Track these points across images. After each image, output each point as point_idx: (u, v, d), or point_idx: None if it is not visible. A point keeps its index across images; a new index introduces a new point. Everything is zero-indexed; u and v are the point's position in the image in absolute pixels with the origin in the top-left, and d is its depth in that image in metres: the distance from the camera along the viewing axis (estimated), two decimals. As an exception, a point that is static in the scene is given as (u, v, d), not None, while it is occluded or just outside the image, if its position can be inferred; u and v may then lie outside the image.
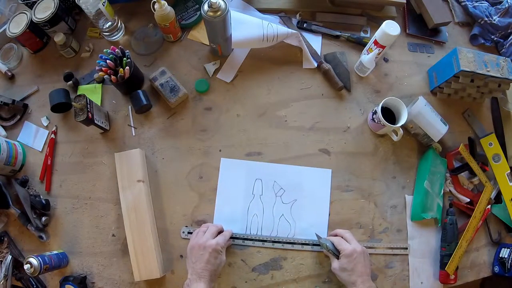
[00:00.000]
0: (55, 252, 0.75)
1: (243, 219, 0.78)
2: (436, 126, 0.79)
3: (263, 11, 0.94)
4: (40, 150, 0.86)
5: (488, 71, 0.78)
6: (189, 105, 0.87)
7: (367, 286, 0.65)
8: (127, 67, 0.79)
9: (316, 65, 0.89)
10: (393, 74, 0.90)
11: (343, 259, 0.67)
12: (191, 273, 0.66)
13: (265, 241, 0.76)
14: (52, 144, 0.85)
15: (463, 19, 0.98)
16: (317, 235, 0.74)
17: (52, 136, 0.86)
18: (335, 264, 0.69)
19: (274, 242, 0.76)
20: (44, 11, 0.87)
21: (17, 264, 0.78)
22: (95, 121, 0.79)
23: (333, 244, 0.70)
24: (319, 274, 0.75)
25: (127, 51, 0.81)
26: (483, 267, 0.78)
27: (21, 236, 0.80)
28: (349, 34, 0.92)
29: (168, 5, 0.82)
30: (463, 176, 0.82)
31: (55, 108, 0.85)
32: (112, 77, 0.79)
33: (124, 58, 0.80)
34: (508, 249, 0.76)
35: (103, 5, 0.84)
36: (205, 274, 0.64)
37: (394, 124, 0.78)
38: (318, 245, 0.74)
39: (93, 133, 0.85)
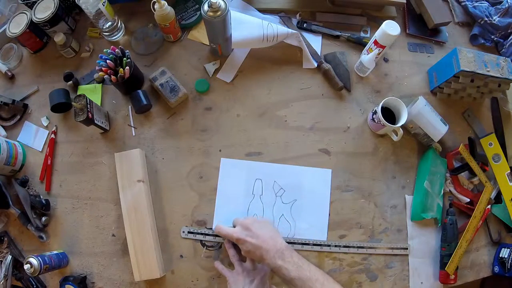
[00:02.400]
0: (55, 252, 0.76)
1: (243, 219, 0.78)
2: (436, 126, 0.79)
3: (263, 11, 0.94)
4: (40, 150, 0.86)
5: (488, 71, 0.78)
6: (189, 105, 0.86)
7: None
8: (127, 67, 0.79)
9: (316, 65, 0.89)
10: (393, 74, 0.90)
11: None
12: None
13: (265, 241, 0.76)
14: (52, 144, 0.85)
15: (463, 19, 0.98)
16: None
17: (52, 136, 0.86)
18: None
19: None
20: (44, 11, 0.87)
21: (17, 264, 0.78)
22: (95, 121, 0.79)
23: None
24: (319, 274, 0.75)
25: (127, 51, 0.81)
26: (483, 267, 0.78)
27: (21, 236, 0.80)
28: (349, 34, 0.92)
29: (168, 5, 0.82)
30: (463, 176, 0.82)
31: (55, 108, 0.85)
32: (112, 77, 0.79)
33: (124, 58, 0.80)
34: (508, 249, 0.76)
35: (103, 5, 0.84)
36: None
37: (394, 124, 0.78)
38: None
39: (93, 133, 0.85)
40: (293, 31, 0.87)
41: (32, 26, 0.88)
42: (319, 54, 0.91)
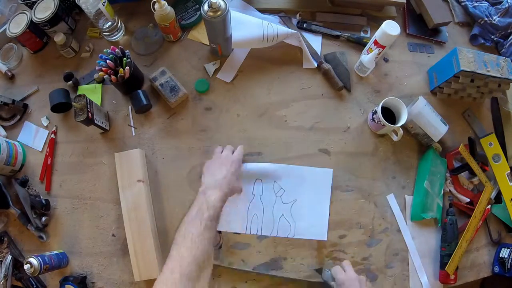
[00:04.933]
0: (55, 252, 0.76)
1: (243, 219, 0.78)
2: (436, 126, 0.79)
3: (263, 11, 0.94)
4: (40, 150, 0.86)
5: (488, 71, 0.78)
6: (189, 105, 0.86)
7: None
8: (127, 67, 0.79)
9: (316, 65, 0.89)
10: (393, 74, 0.90)
11: None
12: (207, 182, 0.67)
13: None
14: (52, 144, 0.85)
15: (463, 19, 0.98)
16: (318, 270, 0.74)
17: (52, 136, 0.86)
18: None
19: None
20: (44, 11, 0.87)
21: (17, 264, 0.78)
22: (95, 121, 0.79)
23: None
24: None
25: (127, 51, 0.81)
26: (483, 267, 0.78)
27: (21, 236, 0.80)
28: (349, 34, 0.92)
29: (168, 5, 0.82)
30: (463, 176, 0.82)
31: (55, 108, 0.85)
32: (112, 77, 0.79)
33: (124, 58, 0.80)
34: (508, 249, 0.76)
35: (103, 5, 0.84)
36: (223, 185, 0.66)
37: (394, 124, 0.78)
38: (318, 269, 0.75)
39: (93, 133, 0.85)
40: (293, 31, 0.87)
41: (32, 26, 0.88)
42: (319, 54, 0.91)
